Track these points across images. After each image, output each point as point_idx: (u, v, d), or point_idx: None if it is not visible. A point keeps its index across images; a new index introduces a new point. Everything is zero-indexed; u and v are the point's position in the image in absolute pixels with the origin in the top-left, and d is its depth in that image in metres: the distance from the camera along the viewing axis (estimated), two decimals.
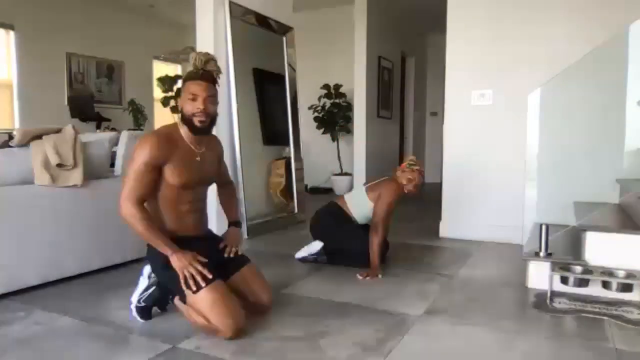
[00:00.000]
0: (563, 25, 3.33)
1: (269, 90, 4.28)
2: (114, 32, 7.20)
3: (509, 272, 2.77)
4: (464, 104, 3.69)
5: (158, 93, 7.38)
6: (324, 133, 6.55)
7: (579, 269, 2.32)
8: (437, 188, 4.09)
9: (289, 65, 4.43)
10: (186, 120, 1.89)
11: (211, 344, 1.76)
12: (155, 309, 2.05)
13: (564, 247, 2.60)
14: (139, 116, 7.03)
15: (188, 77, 1.90)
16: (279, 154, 4.36)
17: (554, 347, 1.78)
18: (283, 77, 4.41)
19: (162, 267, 1.86)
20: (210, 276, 1.80)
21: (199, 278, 1.78)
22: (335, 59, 6.82)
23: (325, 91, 6.42)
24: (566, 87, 3.23)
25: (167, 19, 7.90)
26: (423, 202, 5.55)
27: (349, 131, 6.49)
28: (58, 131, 2.57)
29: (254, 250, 3.24)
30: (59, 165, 2.46)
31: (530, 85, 3.31)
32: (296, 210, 4.43)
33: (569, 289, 2.33)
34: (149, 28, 7.78)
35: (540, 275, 2.39)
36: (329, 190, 6.62)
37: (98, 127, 6.60)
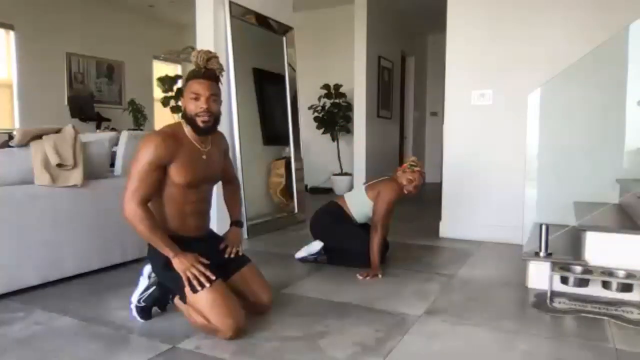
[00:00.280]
0: (563, 26, 3.33)
1: (269, 90, 4.28)
2: (114, 32, 7.20)
3: (509, 272, 2.77)
4: (464, 104, 3.69)
5: (158, 93, 7.38)
6: (324, 133, 6.55)
7: (579, 269, 2.32)
8: (437, 188, 4.09)
9: (289, 65, 4.43)
10: (189, 120, 1.87)
11: (211, 344, 1.76)
12: (155, 309, 2.05)
13: (564, 247, 2.60)
14: (139, 116, 7.03)
15: (190, 76, 1.87)
16: (279, 154, 4.36)
17: (554, 347, 1.78)
18: (283, 77, 4.41)
19: (163, 267, 1.86)
20: (213, 277, 1.80)
21: (202, 279, 1.78)
22: (335, 59, 6.82)
23: (325, 91, 6.42)
24: (566, 87, 3.23)
25: (167, 19, 7.90)
26: (423, 202, 5.55)
27: (349, 131, 6.49)
28: (58, 131, 2.57)
29: (254, 250, 3.24)
30: (59, 165, 2.46)
31: (530, 85, 3.31)
32: (296, 210, 4.43)
33: (569, 289, 2.33)
34: (149, 28, 7.78)
35: (540, 275, 2.39)
36: (329, 190, 6.62)
37: (98, 127, 6.60)
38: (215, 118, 1.89)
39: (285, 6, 4.45)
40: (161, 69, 7.96)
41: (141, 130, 6.77)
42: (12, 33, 6.00)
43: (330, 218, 2.92)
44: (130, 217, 1.78)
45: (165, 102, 6.87)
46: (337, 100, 6.44)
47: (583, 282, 2.29)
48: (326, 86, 6.39)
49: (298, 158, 4.49)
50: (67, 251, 2.52)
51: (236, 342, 1.77)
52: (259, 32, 4.09)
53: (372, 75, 6.21)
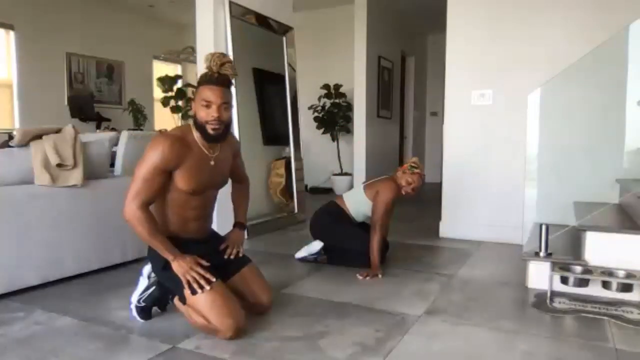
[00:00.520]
0: (563, 26, 3.33)
1: (269, 90, 4.28)
2: (114, 32, 7.20)
3: (509, 272, 2.77)
4: (464, 104, 3.69)
5: (158, 93, 7.38)
6: (324, 133, 6.55)
7: (579, 269, 2.32)
8: (437, 188, 4.09)
9: (289, 65, 4.43)
10: (199, 126, 1.83)
11: (211, 344, 1.76)
12: (155, 309, 2.05)
13: (564, 247, 2.60)
14: (139, 116, 7.03)
15: (202, 80, 1.82)
16: (279, 154, 4.36)
17: (554, 347, 1.78)
18: (283, 77, 4.41)
19: (163, 267, 1.86)
20: (213, 279, 1.79)
21: (202, 282, 1.77)
22: (335, 59, 6.82)
23: (325, 91, 6.42)
24: (566, 87, 3.23)
25: (167, 19, 7.90)
26: (423, 202, 5.55)
27: (349, 131, 6.49)
28: (58, 131, 2.57)
29: (254, 250, 3.24)
30: (59, 165, 2.46)
31: (530, 85, 3.31)
32: (296, 210, 4.43)
33: (569, 289, 2.33)
34: (149, 28, 7.78)
35: (540, 275, 2.39)
36: (329, 190, 6.62)
37: (98, 127, 6.60)
38: (226, 125, 1.85)
39: (285, 6, 4.45)
40: (161, 69, 7.97)
41: (141, 130, 6.78)
42: (12, 33, 6.00)
43: (330, 218, 2.92)
44: (130, 219, 1.78)
45: (165, 102, 6.87)
46: (337, 100, 6.44)
47: (583, 282, 2.29)
48: (326, 86, 6.39)
49: (298, 158, 4.49)
50: (67, 251, 2.52)
51: (236, 342, 1.77)
52: (259, 32, 4.09)
53: (372, 75, 6.21)
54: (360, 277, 2.62)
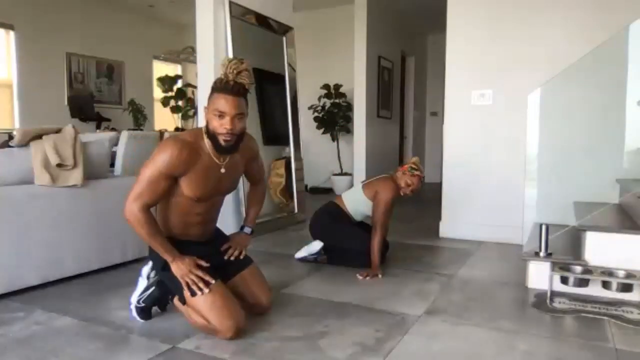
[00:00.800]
0: (563, 26, 3.33)
1: (269, 90, 4.28)
2: (114, 32, 7.20)
3: (509, 272, 2.77)
4: (464, 104, 3.69)
5: (158, 93, 7.39)
6: (324, 133, 6.55)
7: (579, 269, 2.32)
8: (437, 188, 4.09)
9: (289, 65, 4.43)
10: (211, 136, 1.76)
11: (211, 344, 1.76)
12: (155, 309, 2.05)
13: (564, 247, 2.60)
14: (139, 116, 7.03)
15: (217, 87, 1.73)
16: (279, 154, 4.36)
17: (554, 347, 1.78)
18: (283, 77, 4.41)
19: (163, 267, 1.86)
20: (213, 281, 1.79)
21: (201, 284, 1.77)
22: (335, 59, 6.82)
23: (325, 91, 6.42)
24: (566, 87, 3.23)
25: (167, 19, 7.90)
26: (423, 202, 5.55)
27: (349, 131, 6.49)
28: (58, 131, 2.57)
29: (254, 250, 3.23)
30: (59, 165, 2.46)
31: (530, 85, 3.31)
32: (296, 210, 4.43)
33: (569, 289, 2.33)
34: (149, 28, 7.78)
35: (540, 275, 2.39)
36: (329, 190, 6.62)
37: (98, 127, 6.60)
38: (238, 137, 1.77)
39: (285, 6, 4.45)
40: (161, 69, 7.97)
41: (141, 130, 6.78)
42: (12, 33, 6.00)
43: (330, 218, 2.92)
44: (130, 219, 1.76)
45: (165, 102, 6.89)
46: (337, 100, 6.44)
47: (583, 282, 2.29)
48: (326, 86, 6.39)
49: (298, 158, 4.49)
50: (67, 251, 2.52)
51: (236, 342, 1.77)
52: (259, 32, 4.09)
53: (372, 75, 6.21)
54: (360, 277, 2.62)
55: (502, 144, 3.57)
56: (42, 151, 2.43)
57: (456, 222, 3.76)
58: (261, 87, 4.14)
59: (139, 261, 2.81)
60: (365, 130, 6.07)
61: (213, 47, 3.50)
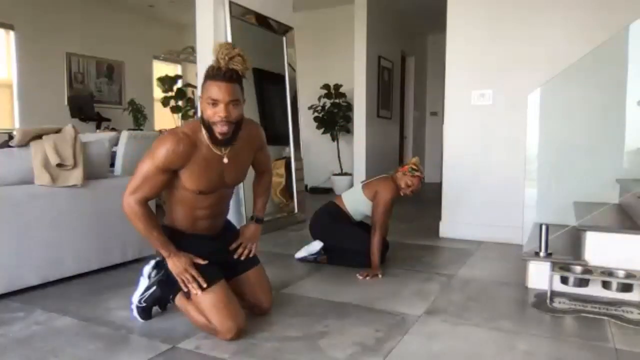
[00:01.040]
0: (563, 26, 3.33)
1: (269, 90, 4.28)
2: (114, 32, 7.20)
3: (509, 272, 2.77)
4: (464, 104, 3.69)
5: (158, 93, 7.38)
6: (324, 133, 6.55)
7: (579, 269, 2.32)
8: (437, 188, 4.09)
9: (289, 65, 4.43)
10: (206, 126, 1.71)
11: (211, 344, 1.76)
12: (155, 309, 2.04)
13: (564, 247, 2.60)
14: (139, 116, 7.03)
15: (209, 74, 1.69)
16: (279, 154, 4.37)
17: (554, 347, 1.78)
18: (283, 77, 4.41)
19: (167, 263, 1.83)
20: (204, 285, 1.75)
21: (194, 285, 1.75)
22: (335, 59, 6.82)
23: (325, 91, 6.42)
24: (566, 87, 3.23)
25: (167, 19, 7.90)
26: (423, 202, 5.55)
27: (349, 131, 6.49)
28: (58, 131, 2.57)
29: None
30: (59, 165, 2.46)
31: (530, 85, 3.31)
32: (296, 210, 4.43)
33: (569, 289, 2.33)
34: (149, 28, 7.78)
35: (540, 275, 2.39)
36: (329, 190, 6.62)
37: (98, 127, 6.60)
38: (236, 125, 1.72)
39: (285, 6, 4.45)
40: (161, 69, 7.97)
41: (141, 130, 6.78)
42: (12, 33, 6.01)
43: (330, 218, 2.92)
44: (127, 213, 1.74)
45: (165, 102, 6.88)
46: (337, 100, 6.44)
47: (583, 282, 2.29)
48: (326, 86, 6.39)
49: (298, 158, 4.49)
50: (67, 251, 2.52)
51: (236, 342, 1.77)
52: (259, 32, 4.09)
53: (372, 75, 6.21)
54: (360, 277, 2.62)
55: (502, 144, 3.57)
56: (42, 151, 2.43)
57: (456, 222, 3.76)
58: (261, 87, 4.14)
59: (139, 261, 2.81)
60: (365, 130, 6.07)
61: (213, 47, 3.49)
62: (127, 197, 1.74)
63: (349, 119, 6.47)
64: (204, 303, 1.76)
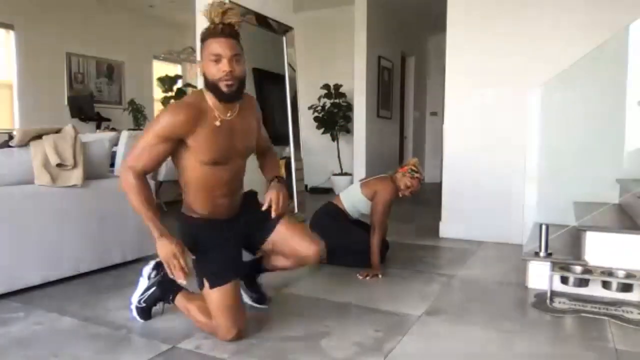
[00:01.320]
0: (563, 25, 3.33)
1: (269, 90, 4.28)
2: (114, 32, 7.19)
3: (509, 272, 2.77)
4: (464, 104, 3.69)
5: (158, 93, 7.38)
6: (324, 133, 6.55)
7: (579, 269, 2.32)
8: (437, 188, 4.09)
9: (289, 65, 4.43)
10: (211, 86, 1.67)
11: (211, 344, 1.76)
12: (155, 309, 2.04)
13: (564, 247, 2.60)
14: (139, 116, 7.03)
15: (205, 35, 1.66)
16: (279, 154, 4.36)
17: (554, 347, 1.78)
18: (283, 77, 4.41)
19: (190, 249, 1.77)
20: (184, 282, 1.68)
21: (179, 273, 1.65)
22: (335, 59, 6.82)
23: (325, 91, 6.42)
24: (566, 87, 3.23)
25: (167, 19, 7.90)
26: (423, 202, 5.55)
27: (349, 131, 6.49)
28: (58, 131, 2.57)
29: None
30: (59, 165, 2.46)
31: (530, 85, 3.31)
32: (296, 210, 4.42)
33: (569, 289, 2.33)
34: (149, 28, 7.78)
35: (540, 275, 2.39)
36: (329, 190, 6.62)
37: (98, 127, 6.60)
38: (240, 81, 1.68)
39: (285, 6, 4.45)
40: (161, 69, 7.97)
41: (141, 130, 6.78)
42: (12, 33, 6.00)
43: (330, 219, 2.92)
44: (124, 186, 1.69)
45: (165, 102, 6.87)
46: (337, 100, 6.43)
47: (583, 282, 2.29)
48: (326, 86, 6.38)
49: (298, 158, 4.49)
50: (67, 251, 2.52)
51: (236, 342, 1.77)
52: (259, 32, 4.09)
53: (372, 75, 6.21)
54: (360, 277, 2.62)
55: (502, 144, 3.57)
56: (42, 151, 2.43)
57: (456, 222, 3.75)
58: (261, 87, 4.14)
59: (139, 261, 2.81)
60: (365, 130, 6.07)
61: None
62: (124, 168, 1.69)
63: (349, 119, 6.47)
64: (213, 302, 1.75)
